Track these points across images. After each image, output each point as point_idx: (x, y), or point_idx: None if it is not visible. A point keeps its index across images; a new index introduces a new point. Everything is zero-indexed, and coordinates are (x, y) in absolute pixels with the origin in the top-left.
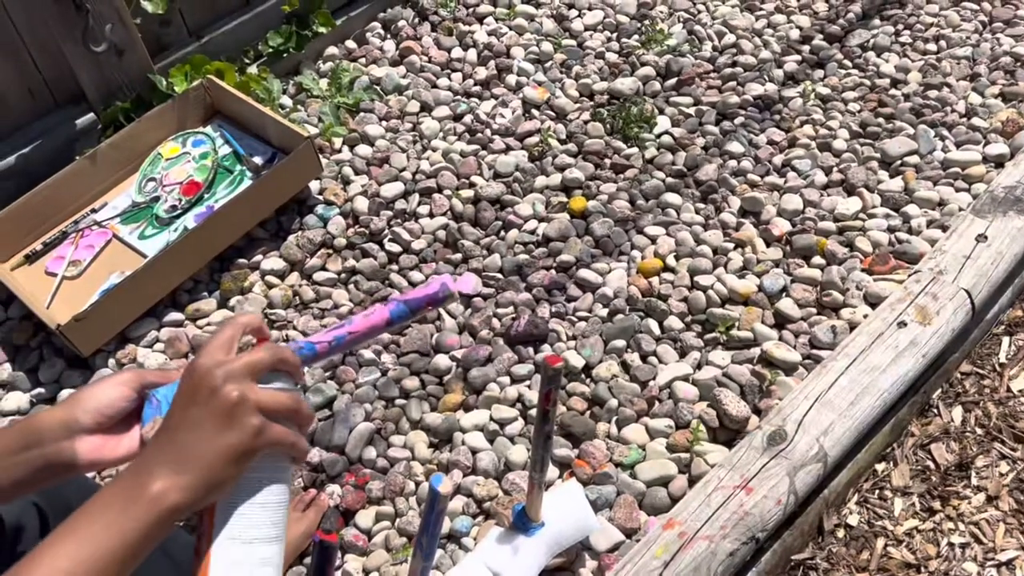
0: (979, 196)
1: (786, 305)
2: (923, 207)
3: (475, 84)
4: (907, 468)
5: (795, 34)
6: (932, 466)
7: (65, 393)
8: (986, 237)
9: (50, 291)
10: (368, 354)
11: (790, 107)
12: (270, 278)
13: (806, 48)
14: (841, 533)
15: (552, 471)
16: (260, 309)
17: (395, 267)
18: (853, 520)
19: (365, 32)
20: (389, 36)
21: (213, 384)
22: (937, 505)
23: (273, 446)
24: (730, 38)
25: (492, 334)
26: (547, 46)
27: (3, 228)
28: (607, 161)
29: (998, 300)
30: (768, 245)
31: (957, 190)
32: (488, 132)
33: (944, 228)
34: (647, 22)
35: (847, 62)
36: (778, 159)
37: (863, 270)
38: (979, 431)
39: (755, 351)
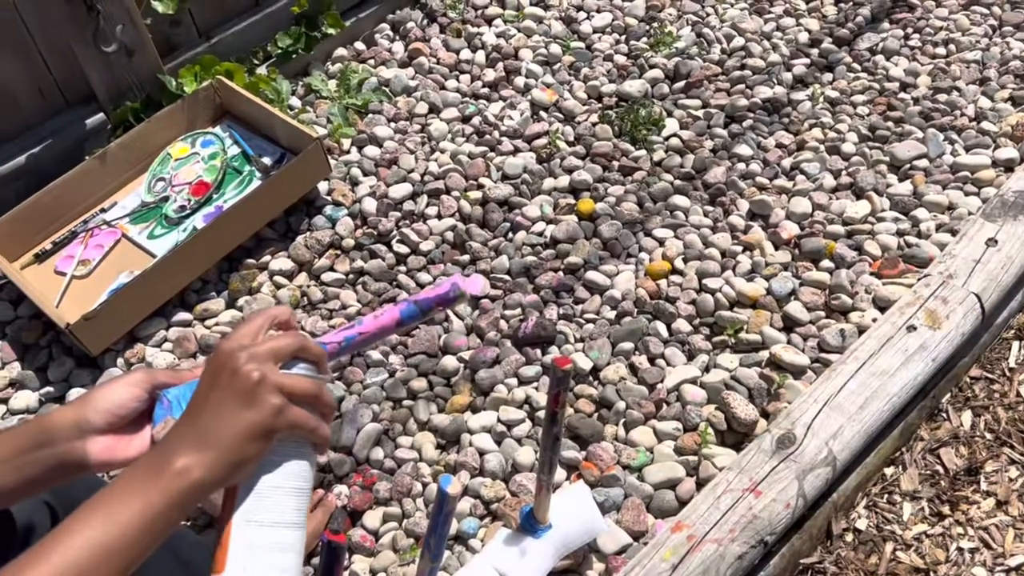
0: (989, 200)
1: (794, 308)
2: (932, 211)
3: (483, 86)
4: (916, 472)
5: (804, 37)
6: (941, 470)
7: (74, 392)
8: (996, 241)
9: (59, 290)
10: (376, 355)
11: (799, 110)
12: (278, 278)
13: (815, 51)
14: (850, 537)
15: (559, 473)
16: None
17: (403, 268)
18: (862, 524)
19: (374, 33)
20: (398, 38)
21: (235, 365)
22: (946, 510)
23: (293, 428)
24: (739, 41)
25: (500, 336)
26: (555, 48)
27: (13, 227)
28: (615, 163)
29: (1008, 304)
30: (776, 248)
31: (966, 194)
32: (496, 134)
33: (953, 232)
34: (655, 24)
35: (856, 65)
36: (787, 162)
37: (872, 274)
38: (988, 436)
39: (763, 354)
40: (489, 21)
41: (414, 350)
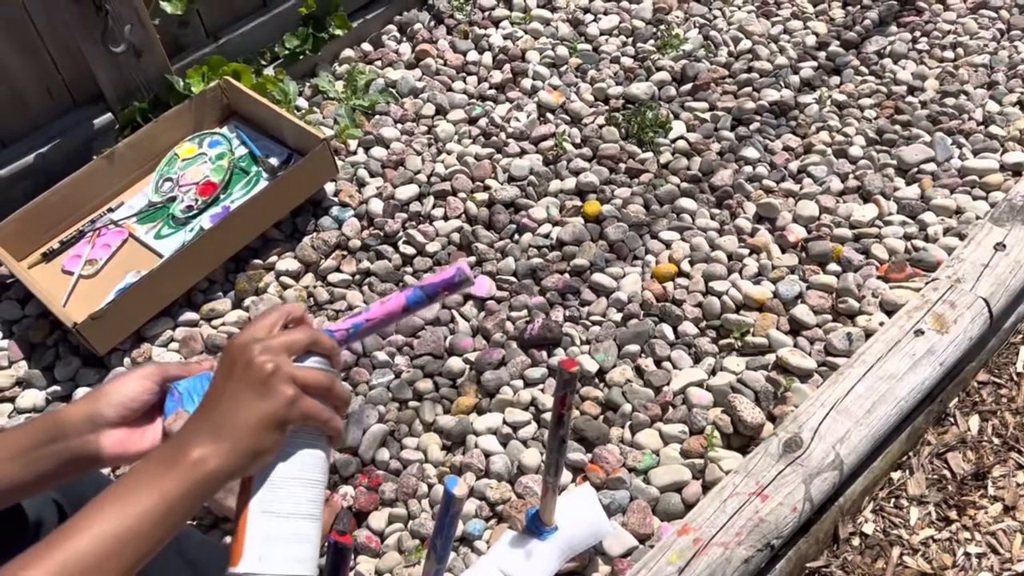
0: (997, 204)
1: (801, 311)
2: (940, 215)
3: (490, 88)
4: (923, 477)
5: (811, 40)
6: (948, 475)
7: (80, 391)
8: (1004, 245)
9: (67, 289)
10: (382, 356)
11: (806, 113)
12: (285, 279)
13: (822, 54)
14: (856, 541)
15: (565, 475)
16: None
17: (409, 269)
18: (868, 528)
19: (381, 35)
20: (405, 39)
21: (249, 357)
22: (953, 514)
23: (307, 418)
24: (746, 44)
25: (506, 337)
26: (562, 50)
27: (21, 226)
28: (622, 165)
29: (1016, 309)
30: (783, 251)
31: (974, 198)
32: (503, 135)
33: (961, 236)
34: (663, 27)
35: (863, 69)
36: (794, 165)
37: (879, 277)
38: (996, 440)
39: (770, 357)
40: (496, 23)
41: (420, 351)
